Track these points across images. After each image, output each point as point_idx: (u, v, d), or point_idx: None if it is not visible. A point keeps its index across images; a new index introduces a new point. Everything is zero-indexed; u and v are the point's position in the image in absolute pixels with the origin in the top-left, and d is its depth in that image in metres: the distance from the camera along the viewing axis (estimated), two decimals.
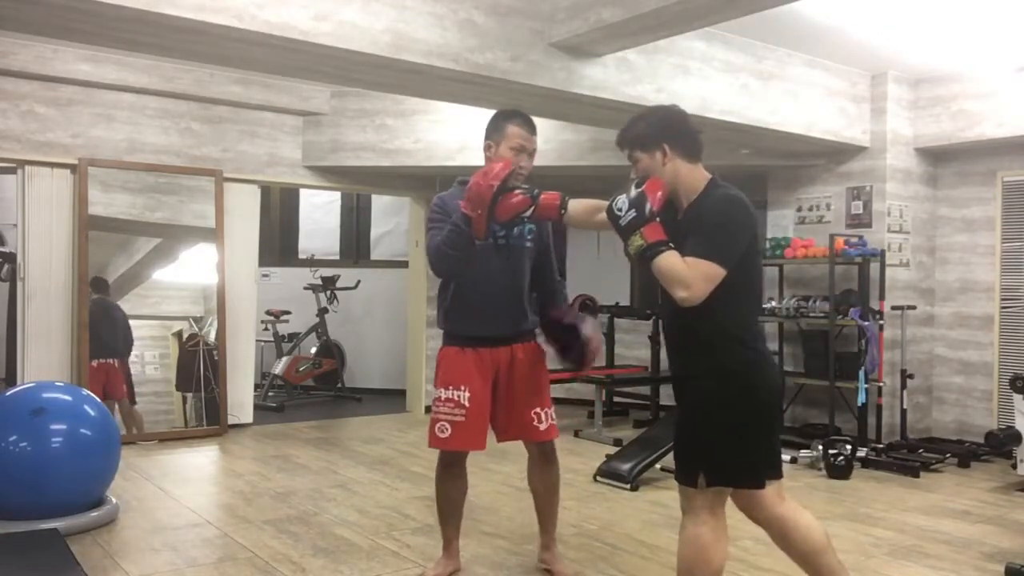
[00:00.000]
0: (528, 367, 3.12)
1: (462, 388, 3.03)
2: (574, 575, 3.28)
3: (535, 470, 3.25)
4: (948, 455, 5.46)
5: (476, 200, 2.77)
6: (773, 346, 6.42)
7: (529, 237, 3.10)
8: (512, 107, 4.95)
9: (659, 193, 2.29)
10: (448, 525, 3.24)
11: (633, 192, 2.30)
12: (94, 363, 5.81)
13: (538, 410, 3.11)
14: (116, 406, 5.84)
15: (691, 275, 2.21)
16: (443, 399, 3.05)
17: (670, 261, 2.24)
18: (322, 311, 8.31)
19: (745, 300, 2.37)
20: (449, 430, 3.02)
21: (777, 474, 2.44)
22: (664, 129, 2.40)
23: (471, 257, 2.93)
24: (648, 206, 2.27)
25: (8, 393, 4.16)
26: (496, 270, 3.03)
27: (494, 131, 3.09)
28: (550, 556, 3.32)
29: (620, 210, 2.30)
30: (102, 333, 5.89)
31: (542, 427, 3.12)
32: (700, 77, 4.94)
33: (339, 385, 8.38)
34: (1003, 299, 5.86)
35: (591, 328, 3.06)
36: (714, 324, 2.31)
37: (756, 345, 2.38)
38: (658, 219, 2.28)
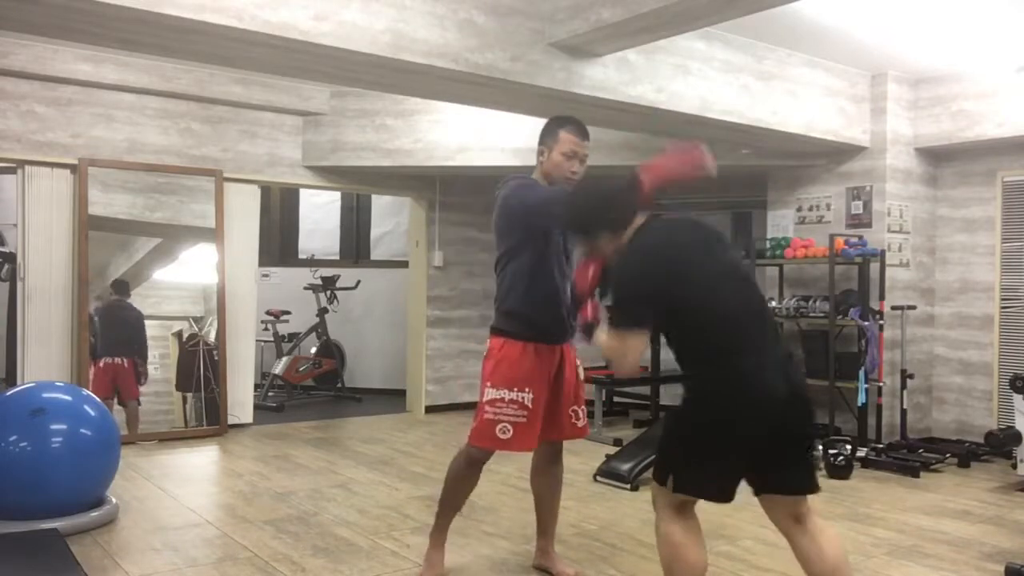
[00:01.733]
0: (571, 367, 3.17)
1: (526, 390, 2.98)
2: (575, 574, 3.27)
3: (543, 470, 3.26)
4: (948, 455, 5.46)
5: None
6: None
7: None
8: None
9: (582, 277, 2.57)
10: (449, 518, 3.20)
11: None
12: (100, 363, 5.85)
13: (575, 408, 3.18)
14: (115, 404, 5.85)
15: (615, 349, 2.34)
16: (506, 400, 2.97)
17: (601, 340, 2.42)
18: (322, 311, 8.31)
19: (697, 331, 2.34)
20: (511, 431, 2.96)
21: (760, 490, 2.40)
22: (592, 221, 2.50)
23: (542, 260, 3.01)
24: (577, 292, 2.59)
25: (8, 393, 4.15)
26: (558, 272, 3.04)
27: (547, 136, 3.07)
28: (549, 559, 3.31)
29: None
30: (111, 334, 5.92)
31: (579, 424, 3.20)
32: (700, 77, 4.93)
33: (339, 385, 8.38)
34: (1003, 299, 5.86)
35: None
36: (682, 358, 2.41)
37: (729, 364, 2.29)
38: (597, 296, 2.52)
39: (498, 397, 2.98)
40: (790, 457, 2.34)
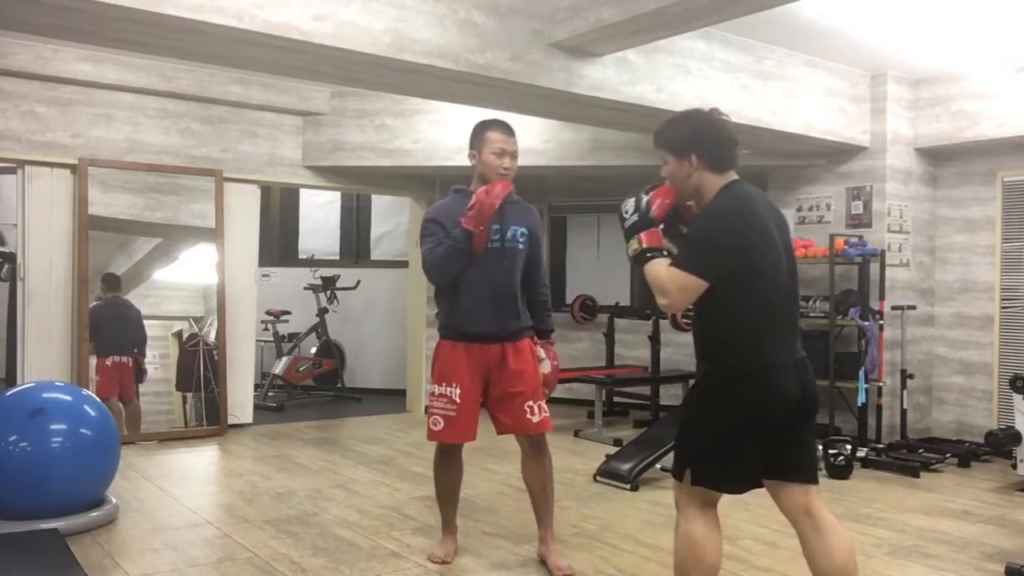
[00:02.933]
0: (519, 363, 3.25)
1: (453, 385, 3.22)
2: (567, 567, 3.30)
3: (528, 463, 3.36)
4: (948, 455, 5.46)
5: (478, 218, 3.04)
6: None
7: (522, 240, 3.27)
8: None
9: (660, 200, 2.38)
10: (447, 507, 3.46)
11: (641, 196, 2.40)
12: (108, 361, 5.85)
13: (531, 403, 3.25)
14: (119, 404, 5.85)
15: (670, 285, 2.28)
16: (436, 395, 3.27)
17: (656, 270, 2.33)
18: (322, 311, 8.31)
19: (743, 308, 2.31)
20: (442, 424, 3.24)
21: (758, 484, 2.41)
22: (695, 140, 2.40)
23: (467, 267, 3.16)
24: (651, 213, 2.38)
25: (8, 393, 4.15)
26: (491, 272, 3.20)
27: (475, 140, 3.26)
28: (546, 548, 3.38)
29: (626, 212, 2.42)
30: (115, 332, 5.93)
31: (535, 419, 3.25)
32: (700, 77, 4.94)
33: (339, 385, 8.38)
34: (1003, 299, 5.86)
35: (547, 367, 3.34)
36: (713, 331, 2.37)
37: (758, 353, 2.31)
38: (662, 226, 2.37)
39: (431, 391, 3.29)
40: (795, 445, 2.37)
